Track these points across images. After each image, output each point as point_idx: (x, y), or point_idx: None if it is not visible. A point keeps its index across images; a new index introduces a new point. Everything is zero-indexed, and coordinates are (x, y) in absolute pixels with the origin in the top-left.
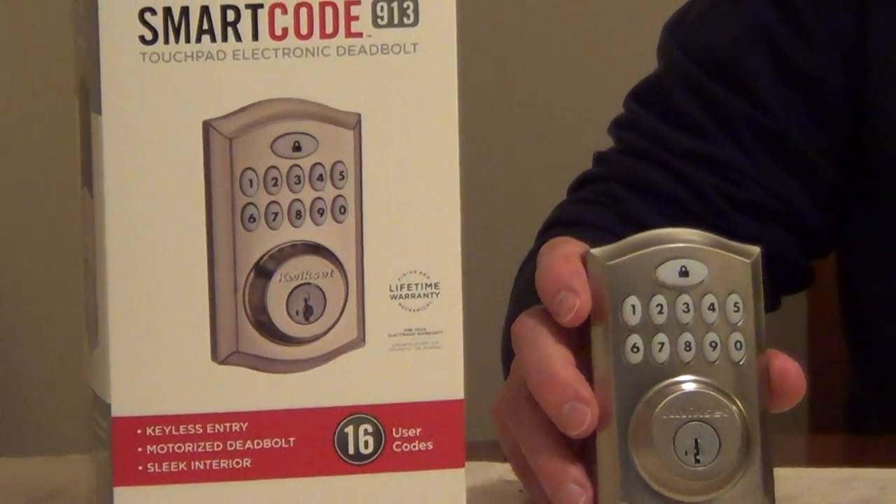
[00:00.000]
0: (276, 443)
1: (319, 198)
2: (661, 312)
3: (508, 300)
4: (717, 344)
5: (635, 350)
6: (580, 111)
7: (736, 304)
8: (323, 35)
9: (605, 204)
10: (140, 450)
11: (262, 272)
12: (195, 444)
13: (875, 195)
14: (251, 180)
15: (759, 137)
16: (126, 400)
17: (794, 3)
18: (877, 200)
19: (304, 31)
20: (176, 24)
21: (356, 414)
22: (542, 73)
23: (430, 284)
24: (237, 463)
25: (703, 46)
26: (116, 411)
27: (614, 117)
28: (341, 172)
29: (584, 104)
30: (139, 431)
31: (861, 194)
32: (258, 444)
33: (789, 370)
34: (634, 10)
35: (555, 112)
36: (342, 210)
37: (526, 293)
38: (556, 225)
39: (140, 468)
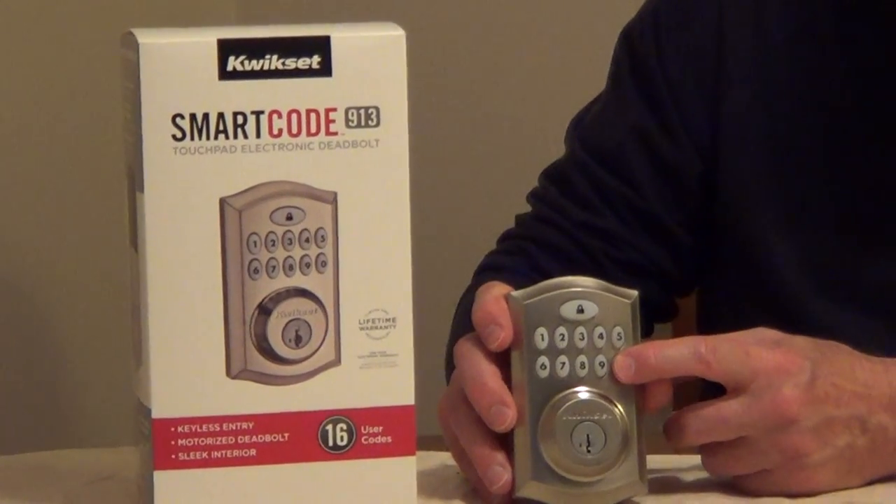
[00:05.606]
0: (275, 437)
1: (306, 255)
2: (563, 340)
3: (450, 329)
4: (604, 363)
5: (544, 368)
6: (512, 175)
7: (619, 333)
8: (309, 133)
9: (520, 255)
10: (173, 443)
11: (264, 310)
12: (214, 439)
13: (722, 251)
14: (255, 242)
15: (633, 213)
16: (163, 405)
17: (663, 108)
18: (723, 255)
19: (294, 130)
20: (199, 125)
21: (334, 416)
22: (479, 139)
23: (389, 319)
24: (245, 452)
25: (595, 142)
26: (155, 414)
27: (531, 189)
28: (322, 236)
29: (510, 170)
30: (172, 429)
31: (712, 251)
32: (261, 438)
33: (659, 383)
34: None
35: (486, 177)
36: (323, 264)
37: (464, 323)
38: (486, 270)
39: (173, 456)
